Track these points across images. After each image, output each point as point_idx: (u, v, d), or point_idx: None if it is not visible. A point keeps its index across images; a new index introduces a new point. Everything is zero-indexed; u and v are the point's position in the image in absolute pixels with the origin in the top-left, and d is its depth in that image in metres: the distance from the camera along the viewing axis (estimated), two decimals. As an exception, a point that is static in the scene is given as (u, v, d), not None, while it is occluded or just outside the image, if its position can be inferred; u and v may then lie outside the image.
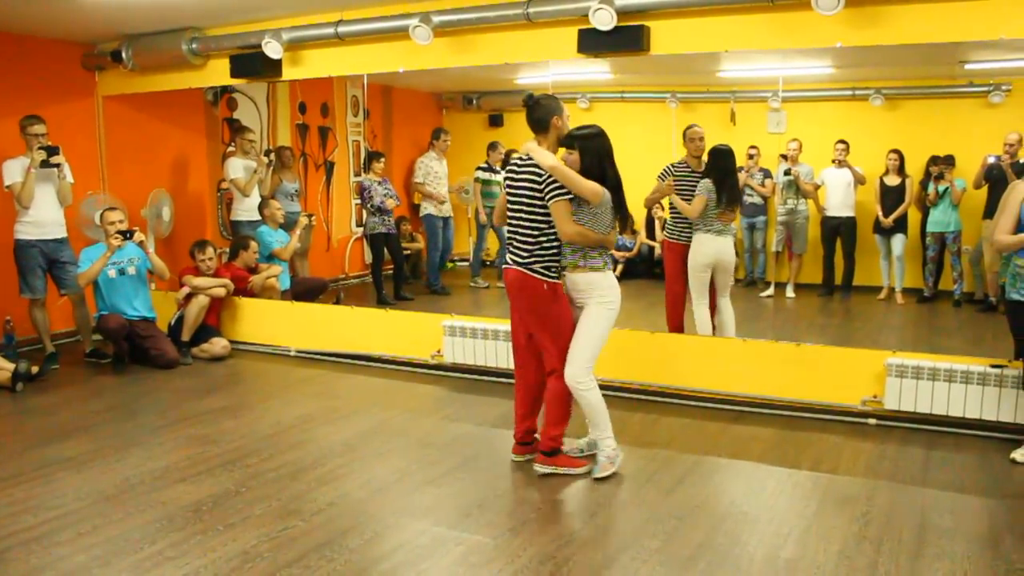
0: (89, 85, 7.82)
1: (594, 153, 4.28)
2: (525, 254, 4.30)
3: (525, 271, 4.29)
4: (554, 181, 4.18)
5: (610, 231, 4.33)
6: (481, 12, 5.87)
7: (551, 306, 4.32)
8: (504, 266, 4.42)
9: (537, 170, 4.23)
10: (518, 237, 4.34)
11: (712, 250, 6.19)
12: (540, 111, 4.32)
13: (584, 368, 4.32)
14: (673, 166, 6.48)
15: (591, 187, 4.17)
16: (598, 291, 4.33)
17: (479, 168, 9.65)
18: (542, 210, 4.25)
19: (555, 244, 4.30)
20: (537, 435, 4.62)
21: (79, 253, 6.75)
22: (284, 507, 4.04)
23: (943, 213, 8.27)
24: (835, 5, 4.79)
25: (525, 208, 4.29)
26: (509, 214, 4.40)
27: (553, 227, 4.26)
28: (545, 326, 4.35)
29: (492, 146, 9.68)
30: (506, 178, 4.46)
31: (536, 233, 4.28)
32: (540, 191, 4.23)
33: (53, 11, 6.39)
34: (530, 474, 4.46)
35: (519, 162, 4.36)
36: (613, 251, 4.83)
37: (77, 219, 7.18)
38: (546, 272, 4.28)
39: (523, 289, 4.32)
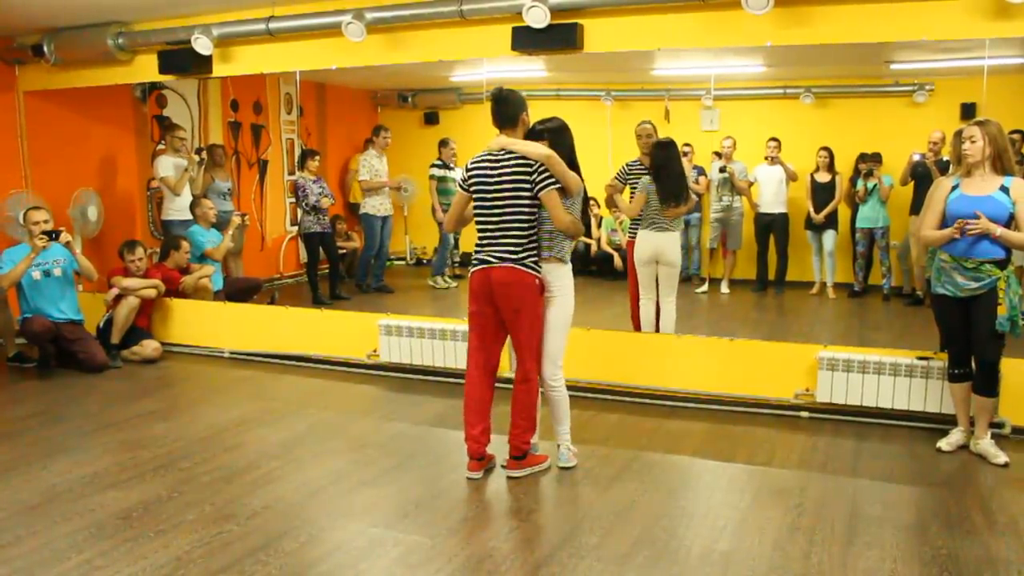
0: (9, 80, 7.57)
1: (565, 146, 4.30)
2: (518, 248, 4.20)
3: (518, 266, 4.19)
4: (546, 171, 4.14)
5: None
6: (415, 9, 5.84)
7: (538, 301, 4.28)
8: (483, 265, 4.25)
9: (527, 161, 4.16)
10: (508, 232, 4.21)
11: (650, 246, 6.20)
12: (511, 106, 4.28)
13: (559, 364, 4.38)
14: (628, 165, 6.51)
15: (574, 177, 4.23)
16: (564, 282, 4.36)
17: (433, 165, 9.53)
18: (533, 202, 4.19)
19: (539, 236, 4.29)
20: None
21: (1, 254, 6.53)
22: (218, 511, 3.96)
23: (872, 209, 8.47)
24: (765, 5, 4.88)
25: (514, 201, 4.18)
26: (489, 211, 4.24)
27: (541, 220, 4.25)
28: (532, 324, 4.27)
29: (444, 143, 9.58)
30: (478, 174, 4.26)
31: (529, 226, 4.22)
32: (531, 182, 4.15)
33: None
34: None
35: (494, 156, 4.24)
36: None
37: (8, 211, 6.94)
38: (535, 266, 4.24)
39: (513, 286, 4.20)
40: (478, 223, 4.33)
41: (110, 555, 3.52)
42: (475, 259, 4.31)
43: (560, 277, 4.35)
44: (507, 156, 4.21)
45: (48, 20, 6.86)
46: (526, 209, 4.19)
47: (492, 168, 4.24)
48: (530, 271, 4.21)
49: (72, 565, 3.44)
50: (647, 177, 6.18)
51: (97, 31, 6.90)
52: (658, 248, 6.20)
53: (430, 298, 9.33)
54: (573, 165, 4.30)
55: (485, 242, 4.28)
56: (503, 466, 4.46)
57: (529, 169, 4.16)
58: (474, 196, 4.29)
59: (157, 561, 3.46)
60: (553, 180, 4.14)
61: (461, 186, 4.37)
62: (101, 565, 3.43)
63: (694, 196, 6.28)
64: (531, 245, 4.23)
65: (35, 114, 7.71)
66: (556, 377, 4.38)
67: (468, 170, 4.31)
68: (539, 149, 4.17)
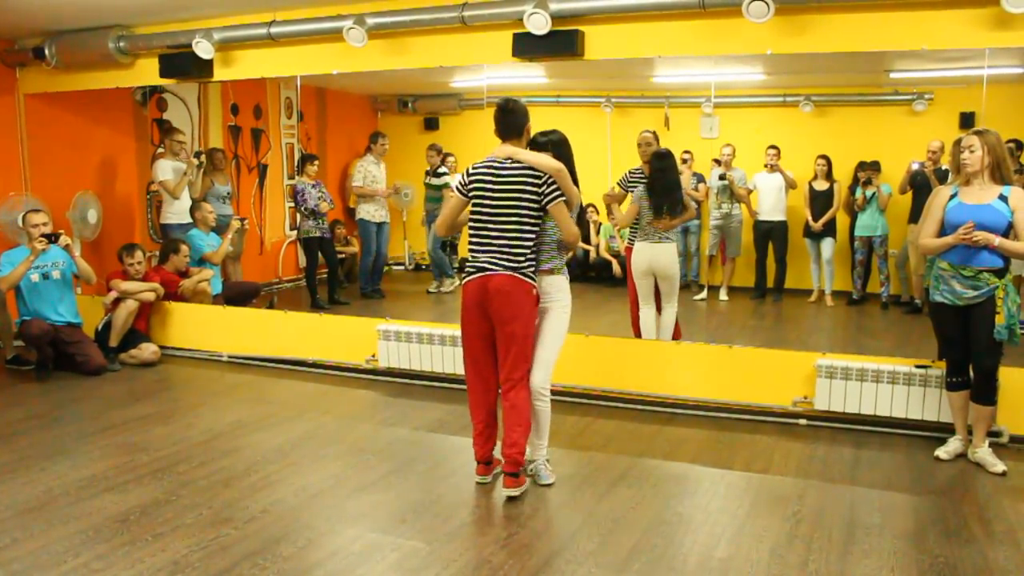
0: (9, 82, 7.57)
1: (567, 158, 4.32)
2: (520, 258, 4.18)
3: (517, 275, 4.17)
4: (554, 183, 4.15)
5: None
6: (416, 15, 5.85)
7: (532, 311, 4.26)
8: (481, 273, 4.19)
9: (536, 172, 4.16)
10: (509, 241, 4.18)
11: (645, 259, 6.21)
12: (517, 117, 4.27)
13: (550, 375, 4.35)
14: (630, 172, 6.52)
15: (575, 191, 4.26)
16: (561, 293, 4.38)
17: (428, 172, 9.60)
18: (538, 213, 4.19)
19: (539, 247, 4.29)
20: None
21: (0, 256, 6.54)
22: (216, 515, 3.96)
23: (870, 217, 8.49)
24: (765, 13, 4.89)
25: (518, 211, 4.16)
26: (489, 218, 4.21)
27: (544, 231, 4.26)
28: (525, 333, 4.22)
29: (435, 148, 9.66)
30: (481, 181, 4.23)
31: (531, 236, 4.20)
32: (539, 194, 4.15)
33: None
34: (466, 479, 4.44)
35: (500, 165, 4.22)
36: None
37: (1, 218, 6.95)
38: (532, 276, 4.24)
39: (511, 294, 4.16)
40: (476, 230, 4.27)
41: (107, 558, 3.51)
42: (471, 267, 4.26)
43: (559, 287, 4.36)
44: (514, 165, 4.20)
45: (50, 23, 6.87)
46: (529, 219, 4.18)
47: (497, 176, 4.22)
48: (528, 280, 4.21)
49: (69, 568, 3.43)
50: (640, 188, 6.20)
51: (98, 34, 6.91)
52: (652, 260, 6.20)
53: (429, 303, 9.33)
54: (573, 177, 4.31)
55: (483, 249, 4.24)
56: (504, 485, 4.27)
57: (538, 181, 4.16)
58: (473, 202, 4.27)
59: (155, 565, 3.45)
60: (561, 193, 4.16)
61: (459, 190, 4.32)
62: (98, 568, 3.43)
63: (692, 205, 6.25)
64: (532, 255, 4.22)
65: (35, 116, 7.71)
66: (546, 387, 4.34)
67: (469, 175, 4.28)
68: (550, 162, 4.18)
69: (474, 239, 4.29)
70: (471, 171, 4.29)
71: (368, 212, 9.25)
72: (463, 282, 4.30)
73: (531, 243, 4.21)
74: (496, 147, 4.28)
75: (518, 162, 4.20)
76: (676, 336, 6.34)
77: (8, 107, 7.58)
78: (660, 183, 6.12)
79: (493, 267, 4.19)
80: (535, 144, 4.36)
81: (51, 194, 7.41)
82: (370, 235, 9.29)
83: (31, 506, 4.07)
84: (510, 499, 4.18)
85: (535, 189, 4.16)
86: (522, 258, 4.19)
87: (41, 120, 7.74)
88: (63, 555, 3.55)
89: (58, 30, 7.09)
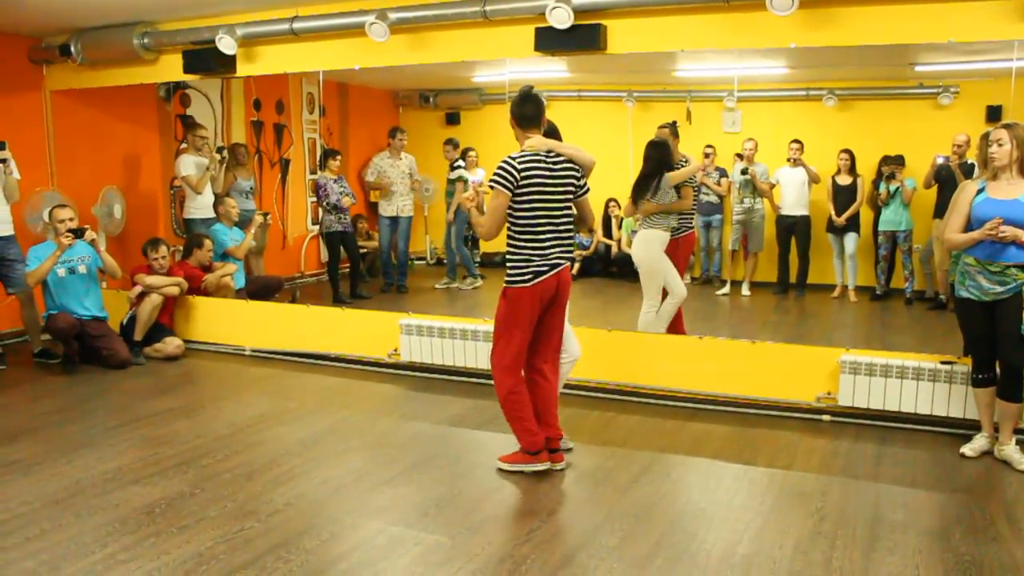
0: (36, 79, 7.65)
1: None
2: (571, 249, 4.37)
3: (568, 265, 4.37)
4: (584, 176, 4.31)
5: None
6: (438, 9, 5.85)
7: None
8: (553, 271, 4.21)
9: (575, 165, 4.27)
10: (566, 233, 4.29)
11: (640, 247, 6.36)
12: (542, 106, 4.29)
13: None
14: None
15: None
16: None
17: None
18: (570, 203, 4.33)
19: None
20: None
21: (27, 251, 6.60)
22: (239, 508, 3.99)
23: (894, 212, 8.42)
24: (789, 6, 4.85)
25: (567, 204, 4.29)
26: (549, 213, 4.19)
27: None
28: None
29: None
30: (536, 176, 4.15)
31: (573, 228, 4.35)
32: (577, 186, 4.29)
33: (-1, 3, 6.25)
34: (488, 473, 4.45)
35: (548, 158, 4.19)
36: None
37: (27, 215, 7.01)
38: None
39: (570, 283, 4.38)
40: (534, 225, 4.18)
41: (133, 550, 3.55)
42: (544, 264, 4.20)
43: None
44: (559, 158, 4.24)
45: (75, 20, 6.93)
46: (569, 211, 4.30)
47: (551, 170, 4.20)
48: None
49: (96, 559, 3.47)
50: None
51: (123, 31, 6.96)
52: (635, 250, 6.37)
53: (451, 298, 9.35)
54: None
55: (551, 244, 4.22)
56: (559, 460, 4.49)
57: (577, 174, 4.28)
58: (527, 198, 4.15)
59: (180, 556, 3.48)
60: (588, 186, 4.35)
61: (506, 187, 4.13)
62: (124, 559, 3.46)
63: (672, 194, 6.24)
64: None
65: (61, 113, 7.79)
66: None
67: (519, 171, 4.12)
68: (587, 156, 4.31)
69: (536, 234, 4.20)
70: (520, 167, 4.13)
71: (383, 208, 9.30)
72: (533, 281, 4.19)
73: (574, 234, 4.40)
74: (532, 140, 4.24)
75: (559, 155, 4.24)
76: (677, 331, 6.31)
77: (35, 104, 7.66)
78: (642, 170, 6.28)
79: (563, 261, 4.29)
80: (552, 132, 4.43)
81: (77, 189, 7.49)
82: (383, 230, 9.34)
83: (59, 497, 4.11)
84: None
85: (576, 182, 4.28)
86: (571, 249, 4.37)
87: (67, 116, 7.81)
88: (90, 546, 3.59)
89: (84, 27, 7.15)
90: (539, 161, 4.18)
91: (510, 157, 4.17)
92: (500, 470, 4.45)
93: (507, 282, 4.25)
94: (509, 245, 4.26)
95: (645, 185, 6.19)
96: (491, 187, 4.19)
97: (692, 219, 6.68)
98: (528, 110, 4.27)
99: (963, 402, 4.97)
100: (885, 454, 4.79)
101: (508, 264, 4.26)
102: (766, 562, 3.47)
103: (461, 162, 9.45)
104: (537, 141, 4.24)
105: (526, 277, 4.19)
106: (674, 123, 6.53)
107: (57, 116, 7.77)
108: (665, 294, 6.30)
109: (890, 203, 8.41)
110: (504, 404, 4.36)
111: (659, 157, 6.22)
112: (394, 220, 9.38)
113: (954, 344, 5.17)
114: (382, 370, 6.60)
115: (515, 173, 4.12)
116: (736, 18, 5.24)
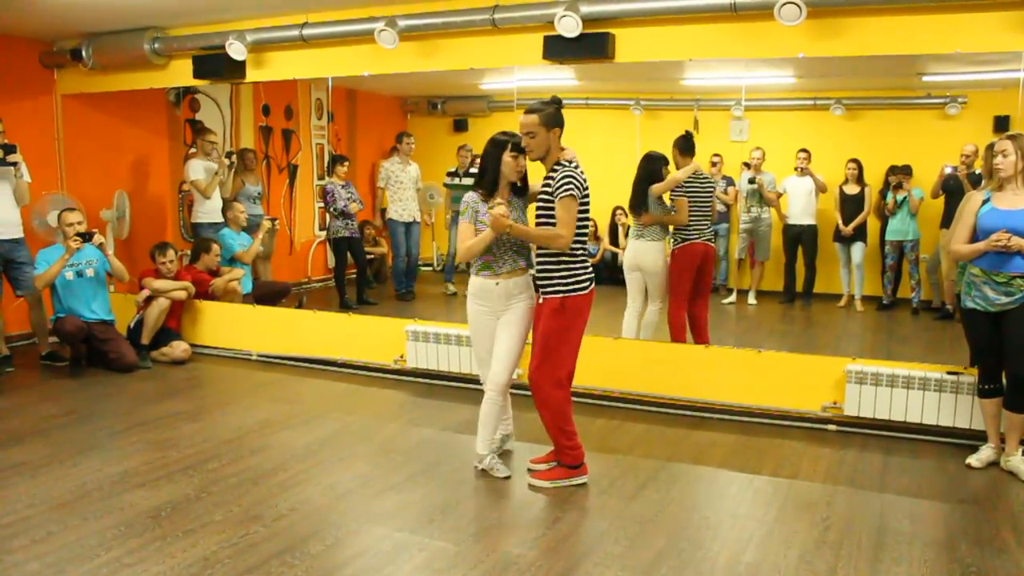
0: (48, 83, 7.70)
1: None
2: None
3: None
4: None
5: None
6: (447, 17, 5.87)
7: None
8: (592, 284, 4.32)
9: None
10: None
11: (629, 254, 6.40)
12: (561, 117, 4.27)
13: None
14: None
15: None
16: (531, 291, 4.50)
17: (450, 173, 9.64)
18: None
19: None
20: None
21: (35, 254, 6.63)
22: (245, 513, 4.00)
23: (901, 222, 8.41)
24: (797, 16, 4.86)
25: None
26: (587, 223, 4.25)
27: None
28: None
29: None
30: (587, 185, 4.23)
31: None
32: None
33: (9, 7, 6.27)
34: (494, 479, 4.46)
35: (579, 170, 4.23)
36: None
37: (33, 219, 7.04)
38: None
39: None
40: (586, 235, 4.29)
41: (139, 553, 3.56)
42: (589, 276, 4.30)
43: (530, 284, 4.56)
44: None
45: (87, 25, 6.98)
46: None
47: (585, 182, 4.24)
48: None
49: (102, 562, 3.48)
50: None
51: (134, 36, 7.01)
52: (634, 255, 6.35)
53: (457, 305, 9.34)
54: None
55: (584, 255, 4.31)
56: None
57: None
58: (585, 208, 4.22)
59: (185, 560, 3.49)
60: None
61: (576, 196, 4.14)
62: (130, 563, 3.47)
63: (666, 206, 6.26)
64: None
65: (72, 117, 7.83)
66: None
67: (583, 181, 4.18)
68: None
69: (584, 244, 4.30)
70: (582, 177, 4.17)
71: (396, 212, 9.30)
72: (591, 287, 4.29)
73: None
74: (569, 149, 4.27)
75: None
76: (676, 339, 6.30)
77: (46, 108, 7.71)
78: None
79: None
80: (495, 144, 4.45)
81: (86, 193, 7.54)
82: (397, 235, 9.33)
83: (65, 500, 4.13)
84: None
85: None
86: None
87: (77, 120, 7.86)
88: (96, 549, 3.60)
89: (95, 32, 7.20)
90: (578, 174, 4.19)
91: (570, 167, 4.16)
92: (534, 487, 4.39)
93: (563, 291, 4.20)
94: (557, 257, 4.21)
95: (632, 197, 6.28)
96: (564, 196, 4.10)
97: (699, 231, 6.49)
98: (561, 118, 4.25)
99: (969, 413, 4.97)
100: (891, 464, 4.78)
101: (561, 275, 4.21)
102: (771, 571, 3.46)
103: (475, 169, 9.46)
104: (572, 152, 4.28)
105: (584, 284, 4.25)
106: (682, 136, 6.42)
107: (67, 120, 7.82)
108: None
109: (897, 213, 8.40)
110: (554, 418, 4.31)
111: (645, 169, 6.28)
112: (408, 225, 9.40)
113: (960, 354, 5.16)
114: (388, 376, 6.61)
115: (581, 182, 4.17)
116: (744, 28, 5.26)
